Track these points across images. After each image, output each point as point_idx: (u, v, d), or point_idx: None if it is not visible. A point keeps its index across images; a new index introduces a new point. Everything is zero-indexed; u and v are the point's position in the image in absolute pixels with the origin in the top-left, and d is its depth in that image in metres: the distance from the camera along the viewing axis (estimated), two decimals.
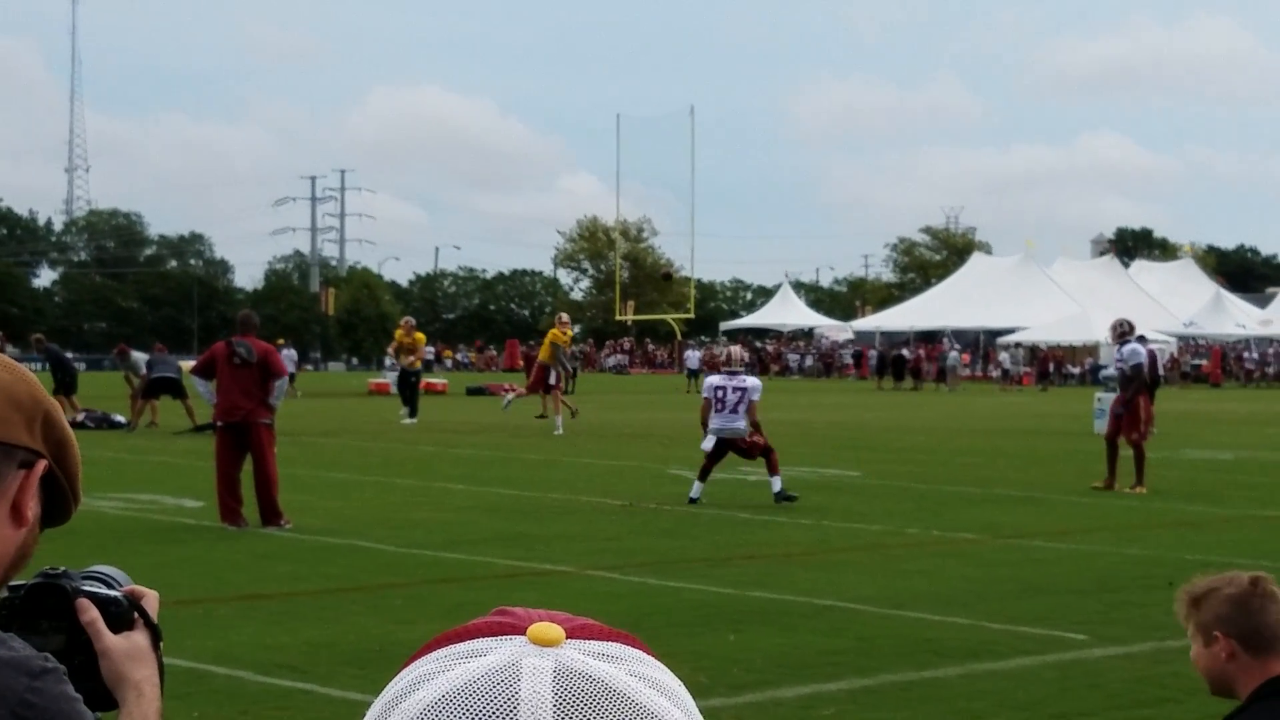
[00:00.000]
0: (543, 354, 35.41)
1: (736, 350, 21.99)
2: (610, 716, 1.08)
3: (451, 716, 1.07)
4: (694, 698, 1.17)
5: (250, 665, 9.81)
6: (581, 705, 1.07)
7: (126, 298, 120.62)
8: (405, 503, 19.23)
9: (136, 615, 2.25)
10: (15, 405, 2.06)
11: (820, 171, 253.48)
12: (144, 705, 2.19)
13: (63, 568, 2.26)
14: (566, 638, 1.13)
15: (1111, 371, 21.93)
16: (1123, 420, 21.73)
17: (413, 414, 36.95)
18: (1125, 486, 21.49)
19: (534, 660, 1.10)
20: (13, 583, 2.23)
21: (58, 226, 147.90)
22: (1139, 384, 21.90)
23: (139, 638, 2.24)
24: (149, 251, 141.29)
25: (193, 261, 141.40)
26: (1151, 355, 23.26)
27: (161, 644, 2.27)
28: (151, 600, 2.29)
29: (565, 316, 37.62)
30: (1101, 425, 36.17)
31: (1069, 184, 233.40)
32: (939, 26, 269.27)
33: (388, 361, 51.32)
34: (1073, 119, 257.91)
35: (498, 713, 1.06)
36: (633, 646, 1.16)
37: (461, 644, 1.14)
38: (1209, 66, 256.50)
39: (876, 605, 12.23)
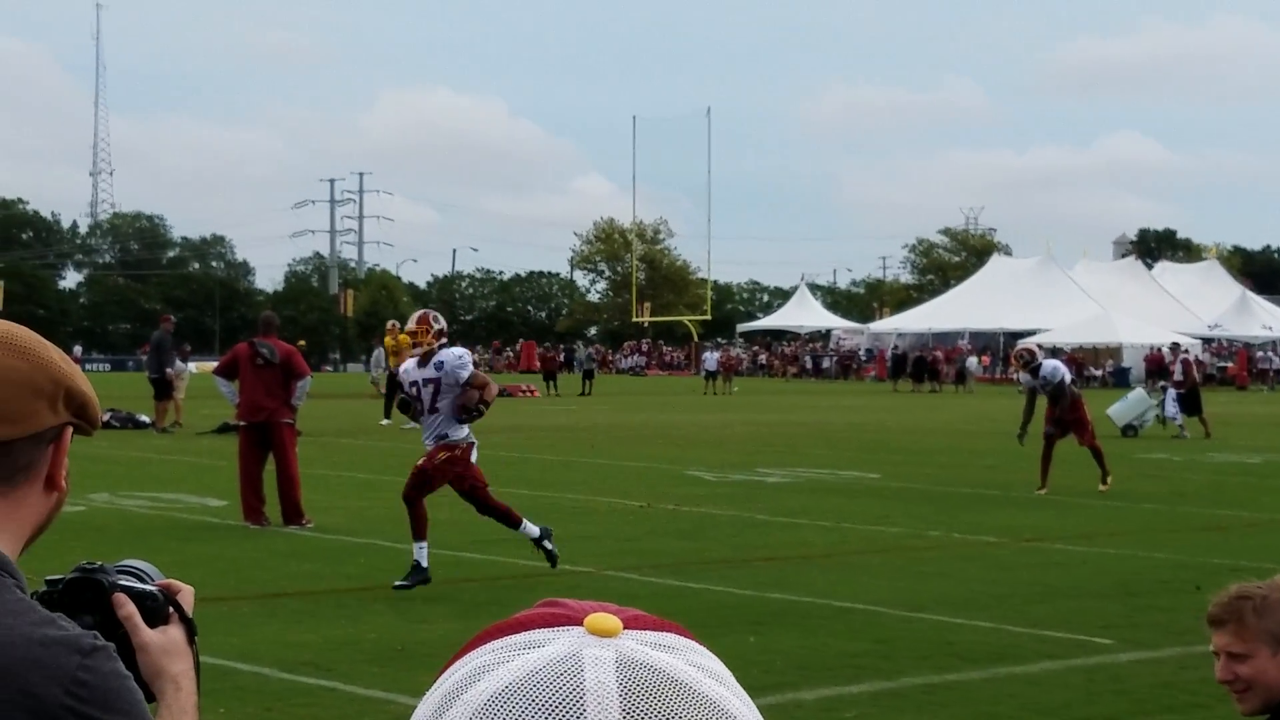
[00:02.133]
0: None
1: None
2: (674, 706, 1.08)
3: (517, 707, 1.06)
4: None
5: (274, 663, 9.84)
6: (646, 695, 1.07)
7: (150, 299, 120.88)
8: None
9: (171, 609, 2.25)
10: (38, 393, 2.12)
11: (838, 172, 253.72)
12: (181, 698, 2.20)
13: (99, 562, 2.26)
14: (624, 628, 1.12)
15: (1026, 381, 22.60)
16: (1074, 427, 22.03)
17: (388, 415, 36.13)
18: (1099, 486, 21.71)
19: (595, 650, 1.09)
20: (50, 577, 2.24)
21: (83, 229, 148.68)
22: (1066, 393, 22.14)
23: (175, 632, 2.24)
24: (172, 254, 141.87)
25: (214, 263, 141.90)
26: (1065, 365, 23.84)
27: (197, 638, 2.26)
28: (187, 595, 2.29)
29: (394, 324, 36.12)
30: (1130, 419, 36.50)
31: (1090, 184, 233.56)
32: (954, 26, 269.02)
33: (374, 366, 48.54)
34: (1092, 118, 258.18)
35: (564, 703, 1.06)
36: (684, 636, 1.16)
37: (518, 635, 1.13)
38: (1232, 65, 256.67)
39: (897, 608, 12.20)
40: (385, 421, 36.04)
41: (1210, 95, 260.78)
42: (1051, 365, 22.69)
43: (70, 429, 2.20)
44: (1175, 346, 40.34)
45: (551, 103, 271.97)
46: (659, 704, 1.07)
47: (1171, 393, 37.75)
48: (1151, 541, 16.65)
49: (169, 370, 34.55)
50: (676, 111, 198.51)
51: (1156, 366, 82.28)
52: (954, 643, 10.87)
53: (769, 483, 22.51)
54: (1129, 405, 37.47)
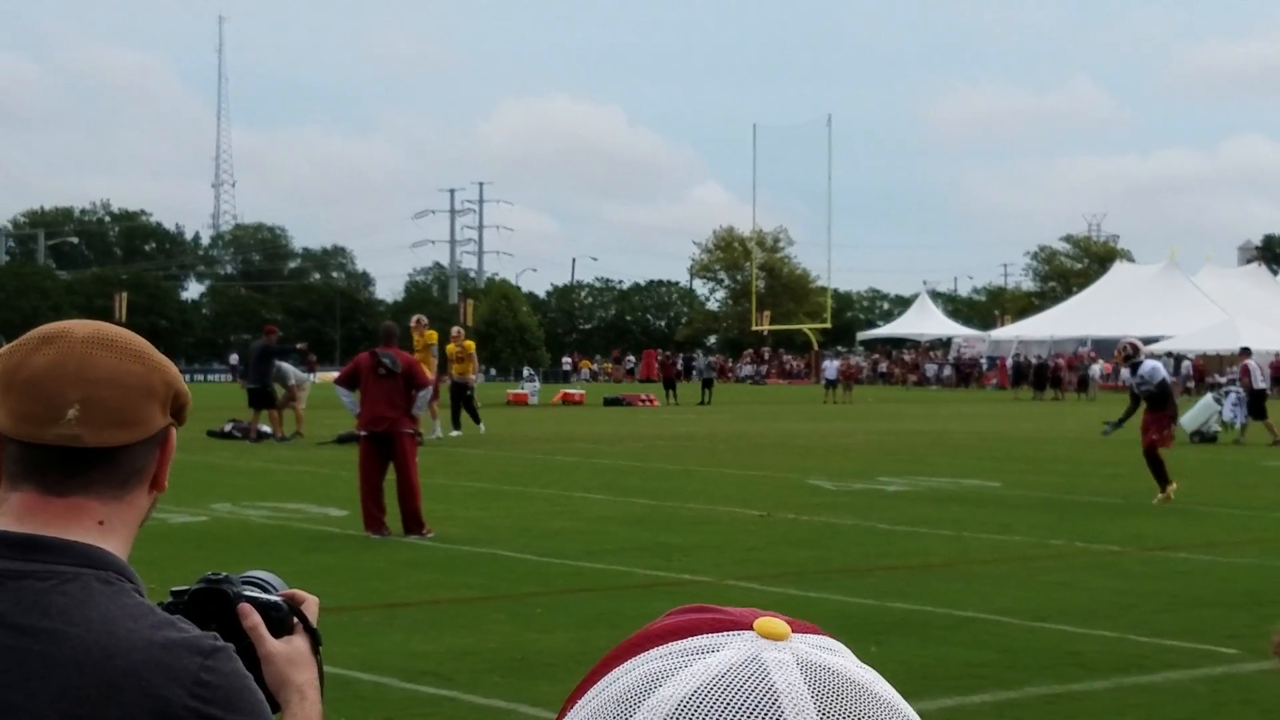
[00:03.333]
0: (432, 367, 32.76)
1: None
2: (861, 707, 1.08)
3: (714, 709, 1.06)
4: None
5: (394, 672, 9.91)
6: (834, 696, 1.08)
7: (271, 310, 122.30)
8: (545, 512, 19.31)
9: (296, 620, 2.28)
10: (152, 396, 2.17)
11: (959, 179, 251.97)
12: (307, 708, 2.22)
13: (224, 573, 2.29)
14: (792, 632, 1.13)
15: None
16: (1151, 426, 21.32)
17: (457, 426, 35.58)
18: (1161, 496, 21.04)
19: (774, 654, 1.09)
20: (176, 588, 2.27)
21: (205, 240, 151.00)
22: (1164, 398, 21.56)
23: (299, 642, 2.27)
24: (293, 264, 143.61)
25: (335, 274, 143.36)
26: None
27: (321, 649, 2.29)
28: (311, 605, 2.31)
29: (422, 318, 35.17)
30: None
31: (1214, 189, 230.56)
32: (1076, 29, 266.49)
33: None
34: (1217, 122, 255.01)
35: (760, 706, 1.06)
36: (837, 641, 1.16)
37: (686, 640, 1.12)
38: None
39: (1019, 617, 12.09)
40: (456, 433, 35.37)
41: None
42: (1151, 366, 21.94)
43: (173, 429, 2.24)
44: (1245, 351, 40.07)
45: (670, 111, 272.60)
46: (847, 705, 1.08)
47: (1233, 396, 37.42)
48: (1277, 551, 16.39)
49: (291, 382, 34.81)
50: (797, 119, 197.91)
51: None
52: (1077, 652, 10.76)
53: (889, 491, 22.38)
54: (1196, 412, 37.68)
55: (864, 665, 1.14)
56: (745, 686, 1.06)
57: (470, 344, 36.45)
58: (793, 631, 1.13)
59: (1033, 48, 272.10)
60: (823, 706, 1.06)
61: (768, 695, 1.06)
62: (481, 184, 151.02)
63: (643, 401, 60.56)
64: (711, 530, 17.66)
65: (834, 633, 1.16)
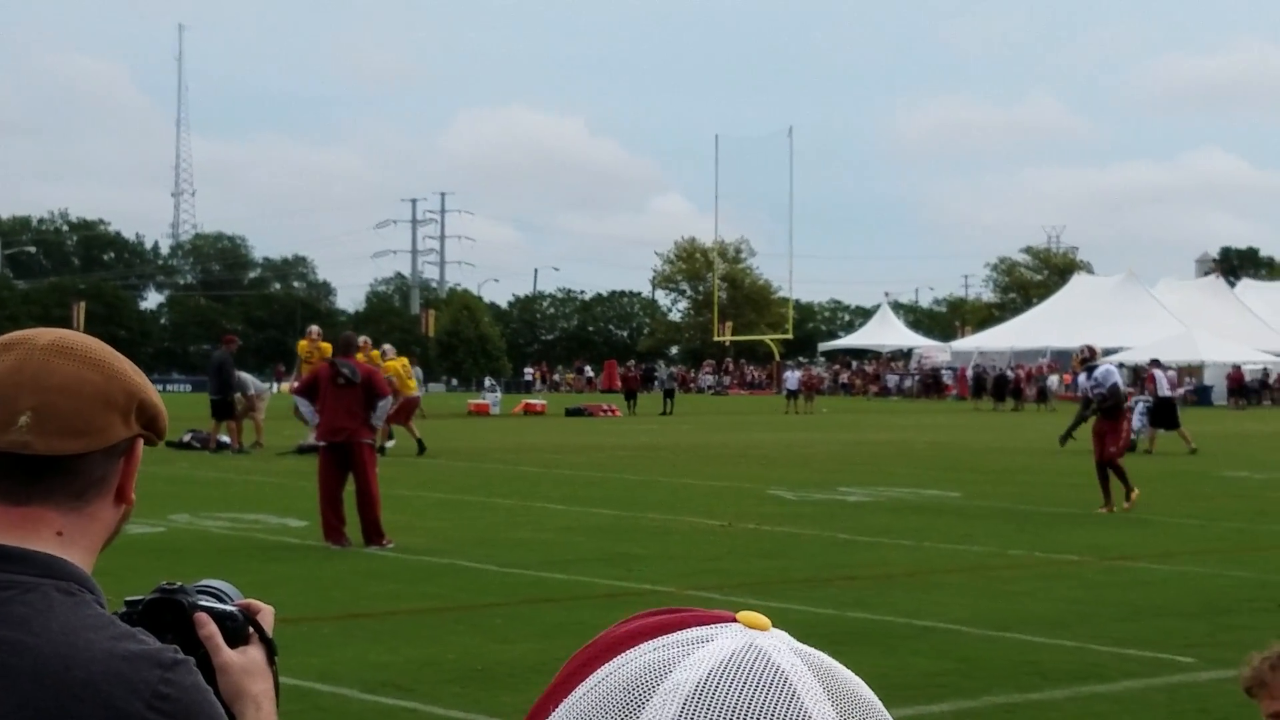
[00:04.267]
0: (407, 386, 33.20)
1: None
2: (851, 688, 1.14)
3: (731, 689, 1.09)
4: None
5: (354, 683, 9.88)
6: (832, 678, 1.13)
7: (231, 319, 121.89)
8: (506, 523, 19.28)
9: (251, 630, 2.27)
10: (110, 405, 2.12)
11: (920, 191, 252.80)
12: (261, 718, 2.21)
13: (179, 583, 2.28)
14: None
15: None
16: (1105, 436, 21.43)
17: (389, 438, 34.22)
18: (1121, 504, 21.19)
19: (767, 640, 1.14)
20: (130, 598, 2.26)
21: (164, 250, 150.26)
22: (1116, 403, 21.63)
23: (255, 652, 2.25)
24: (253, 274, 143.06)
25: (296, 284, 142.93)
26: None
27: (277, 659, 2.28)
28: (267, 615, 2.30)
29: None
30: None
31: (1173, 202, 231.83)
32: (1038, 43, 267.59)
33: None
34: (1176, 135, 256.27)
35: (773, 683, 1.10)
36: None
37: (678, 633, 1.16)
38: None
39: (979, 627, 12.13)
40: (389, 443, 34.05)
41: None
42: (1105, 369, 22.08)
43: (141, 441, 2.20)
44: (1154, 362, 40.36)
45: (632, 121, 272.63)
46: (845, 687, 1.14)
47: (1140, 406, 37.67)
48: (1234, 560, 16.50)
49: (250, 392, 34.63)
50: (758, 131, 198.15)
51: (1238, 385, 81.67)
52: (1037, 662, 10.81)
53: (850, 502, 22.43)
54: None
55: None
56: (755, 667, 1.10)
57: (377, 353, 35.57)
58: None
59: (995, 61, 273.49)
60: (826, 685, 1.12)
61: (777, 674, 1.10)
62: (444, 194, 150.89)
63: (604, 412, 60.58)
64: (673, 540, 17.67)
65: None
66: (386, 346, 36.06)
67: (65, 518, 2.13)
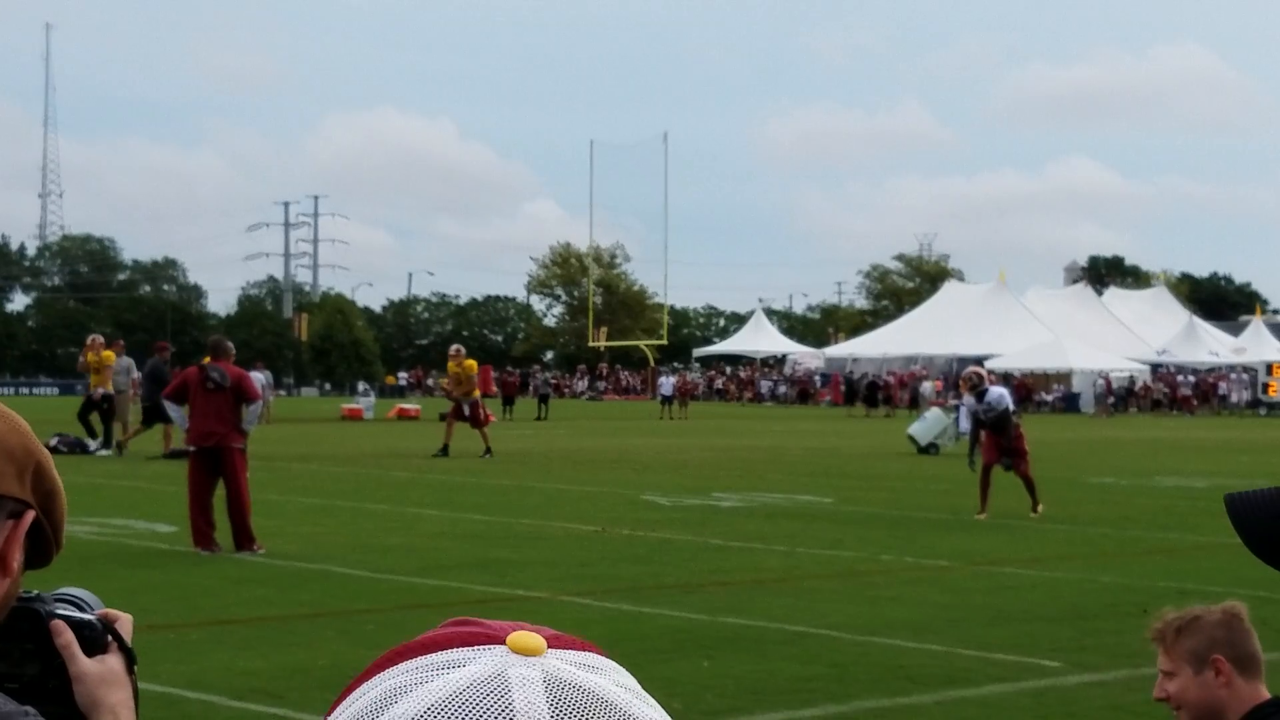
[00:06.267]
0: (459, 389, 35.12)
1: None
2: None
3: None
4: None
5: (223, 690, 9.77)
6: (577, 716, 1.04)
7: (100, 322, 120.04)
8: (378, 528, 19.17)
9: (110, 639, 2.23)
10: (8, 456, 1.96)
11: (793, 198, 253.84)
12: None
13: (35, 591, 2.24)
14: (548, 647, 1.09)
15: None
16: (1015, 455, 21.91)
17: (93, 436, 34.46)
18: (1028, 513, 21.59)
19: (521, 670, 1.06)
20: None
21: (31, 252, 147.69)
22: (1007, 422, 22.05)
23: (113, 661, 2.21)
24: (122, 276, 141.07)
25: (166, 287, 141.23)
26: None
27: (136, 667, 2.25)
28: (125, 623, 2.26)
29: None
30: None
31: (1040, 210, 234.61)
32: (905, 52, 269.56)
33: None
34: (1043, 144, 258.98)
35: None
36: (605, 657, 1.13)
37: (434, 655, 1.09)
38: (1182, 93, 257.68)
39: (850, 632, 12.22)
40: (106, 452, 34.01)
41: (1160, 123, 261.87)
42: (998, 393, 22.63)
43: (31, 516, 2.02)
44: (978, 362, 40.97)
45: (502, 126, 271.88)
46: None
47: (964, 409, 38.28)
48: (1100, 565, 16.75)
49: (132, 392, 34.37)
50: (633, 137, 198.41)
51: (1107, 393, 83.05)
52: (906, 666, 10.90)
53: (724, 507, 22.52)
54: (928, 425, 38.82)
55: (627, 684, 1.11)
56: (482, 704, 1.03)
57: (110, 354, 35.02)
58: (553, 646, 1.10)
59: (863, 70, 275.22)
60: None
61: (503, 714, 1.02)
62: (316, 197, 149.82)
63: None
64: (546, 546, 17.65)
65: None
66: (93, 337, 36.15)
67: None
